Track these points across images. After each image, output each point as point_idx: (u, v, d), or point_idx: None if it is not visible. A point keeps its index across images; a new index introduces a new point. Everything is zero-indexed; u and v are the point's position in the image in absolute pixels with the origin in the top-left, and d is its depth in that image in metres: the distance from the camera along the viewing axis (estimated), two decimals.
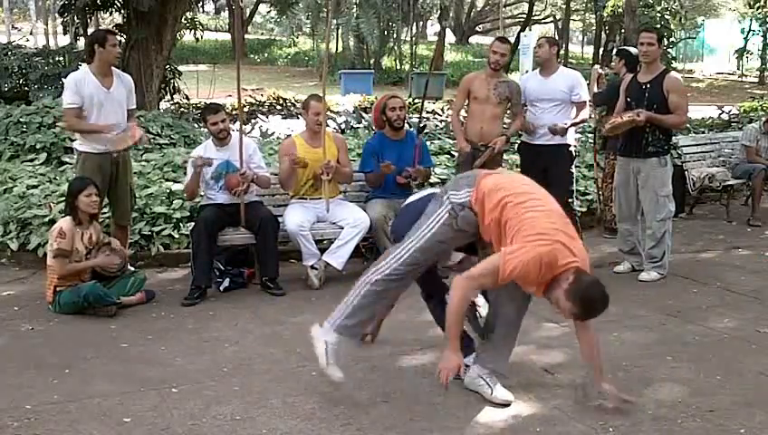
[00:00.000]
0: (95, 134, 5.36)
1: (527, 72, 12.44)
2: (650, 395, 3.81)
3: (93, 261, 5.10)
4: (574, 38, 43.63)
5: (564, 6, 30.63)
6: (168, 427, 3.47)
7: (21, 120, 8.11)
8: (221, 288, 5.53)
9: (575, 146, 6.44)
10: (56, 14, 19.91)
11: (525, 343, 4.31)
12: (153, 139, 8.43)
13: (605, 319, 4.91)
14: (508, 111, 6.34)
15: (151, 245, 6.14)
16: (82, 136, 5.47)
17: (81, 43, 12.48)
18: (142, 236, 6.14)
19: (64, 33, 15.79)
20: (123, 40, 10.05)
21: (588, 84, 6.77)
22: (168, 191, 6.55)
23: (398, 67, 28.93)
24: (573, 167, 6.36)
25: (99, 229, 5.26)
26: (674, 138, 7.16)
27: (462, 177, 3.83)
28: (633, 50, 6.65)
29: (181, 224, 6.27)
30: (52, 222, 5.67)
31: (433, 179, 6.91)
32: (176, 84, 11.92)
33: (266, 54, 34.22)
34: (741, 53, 28.93)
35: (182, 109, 12.47)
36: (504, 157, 7.10)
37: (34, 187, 6.70)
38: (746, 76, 31.27)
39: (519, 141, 6.69)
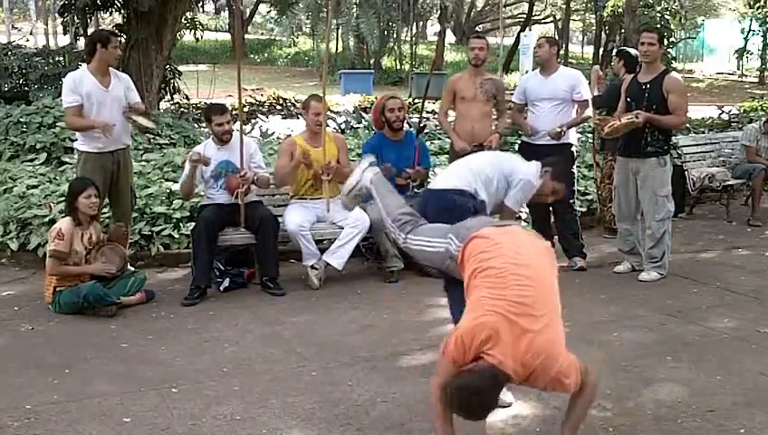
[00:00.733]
0: (97, 132, 5.36)
1: (527, 72, 12.46)
2: (650, 395, 3.80)
3: (88, 268, 5.09)
4: (574, 38, 43.64)
5: (564, 6, 30.66)
6: (168, 427, 3.47)
7: (21, 120, 8.12)
8: (221, 288, 5.53)
9: (576, 146, 6.43)
10: (56, 14, 19.90)
11: None
12: (153, 139, 8.44)
13: (605, 319, 4.95)
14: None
15: (151, 245, 6.14)
16: (84, 135, 5.47)
17: (81, 43, 12.46)
18: (142, 236, 6.14)
19: (64, 33, 15.77)
20: (123, 40, 10.06)
21: (589, 84, 6.76)
22: (168, 191, 6.56)
23: (398, 67, 28.97)
24: (574, 166, 6.36)
25: (99, 230, 5.26)
26: (674, 138, 7.16)
27: (466, 225, 3.51)
28: (632, 50, 6.65)
29: (181, 224, 6.27)
30: (53, 222, 5.67)
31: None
32: (176, 84, 11.91)
33: (266, 54, 34.25)
34: (741, 53, 28.94)
35: (182, 109, 12.48)
36: None
37: (34, 187, 6.70)
38: (746, 76, 31.30)
39: (520, 141, 6.69)
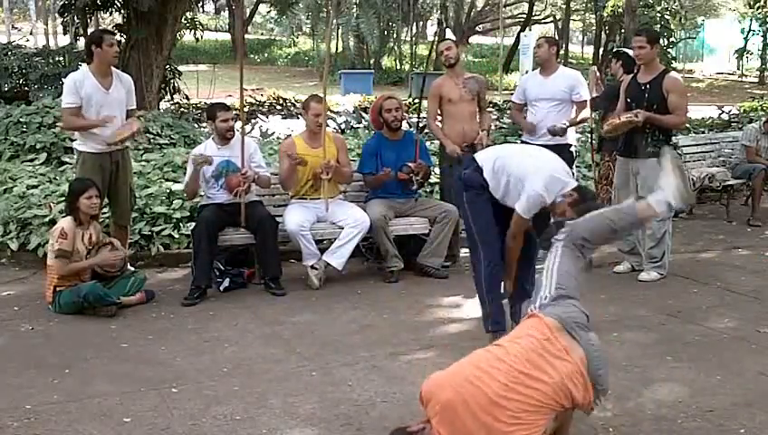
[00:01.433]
0: (94, 133, 5.36)
1: (527, 72, 12.46)
2: (650, 395, 3.81)
3: (94, 259, 5.09)
4: (574, 38, 43.63)
5: (564, 6, 30.67)
6: (168, 427, 3.47)
7: (21, 120, 8.12)
8: (221, 288, 5.53)
9: (575, 146, 6.43)
10: (56, 14, 19.91)
11: None
12: (153, 139, 8.43)
13: (605, 319, 4.94)
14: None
15: (151, 245, 6.14)
16: (82, 135, 5.47)
17: (81, 43, 12.48)
18: (142, 236, 6.14)
19: (64, 33, 15.80)
20: (123, 40, 10.07)
21: (588, 84, 6.76)
22: (168, 191, 6.55)
23: (398, 67, 28.98)
24: (574, 167, 6.36)
25: (99, 229, 5.26)
26: (674, 138, 7.15)
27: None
28: (630, 51, 6.65)
29: (181, 224, 6.27)
30: (53, 222, 5.67)
31: (433, 179, 6.91)
32: (176, 84, 11.92)
33: (266, 54, 34.28)
34: (741, 53, 28.95)
35: (182, 109, 12.49)
36: None
37: (34, 187, 6.70)
38: (746, 76, 31.31)
39: (520, 141, 6.69)
